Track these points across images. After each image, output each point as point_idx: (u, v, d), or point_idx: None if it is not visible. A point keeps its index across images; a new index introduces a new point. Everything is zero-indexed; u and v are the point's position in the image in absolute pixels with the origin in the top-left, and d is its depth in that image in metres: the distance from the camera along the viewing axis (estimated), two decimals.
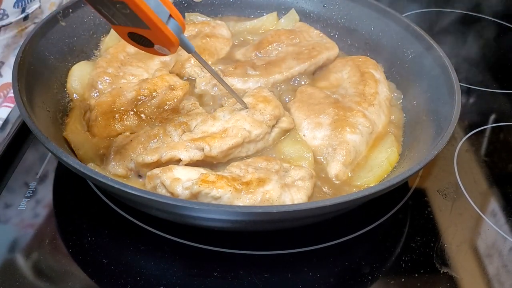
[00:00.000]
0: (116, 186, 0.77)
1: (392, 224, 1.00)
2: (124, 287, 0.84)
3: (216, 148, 0.94)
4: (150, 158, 0.92)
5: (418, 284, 0.89)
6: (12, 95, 1.32)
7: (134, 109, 1.04)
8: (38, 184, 1.01)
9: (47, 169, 1.04)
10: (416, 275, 0.90)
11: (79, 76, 1.14)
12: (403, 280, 0.90)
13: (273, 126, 1.03)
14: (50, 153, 1.07)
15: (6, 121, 1.13)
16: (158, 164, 0.93)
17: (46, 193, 1.00)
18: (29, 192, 0.99)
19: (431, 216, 1.02)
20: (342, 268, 0.91)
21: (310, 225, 0.94)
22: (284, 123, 1.05)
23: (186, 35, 1.28)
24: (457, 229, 1.00)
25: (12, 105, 1.23)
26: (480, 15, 1.76)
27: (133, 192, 0.76)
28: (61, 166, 1.05)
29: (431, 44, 1.17)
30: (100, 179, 0.78)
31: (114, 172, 0.95)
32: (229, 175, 0.88)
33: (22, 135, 1.11)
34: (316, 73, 1.26)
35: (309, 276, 0.89)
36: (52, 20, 1.12)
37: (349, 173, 1.01)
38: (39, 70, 1.04)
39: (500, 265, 0.95)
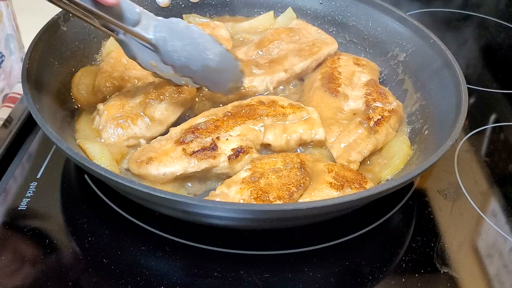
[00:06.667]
0: (153, 193, 0.78)
1: (392, 224, 1.00)
2: (125, 287, 0.85)
3: None
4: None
5: (419, 284, 0.89)
6: (13, 95, 1.33)
7: (143, 113, 1.04)
8: (39, 184, 1.01)
9: (48, 170, 1.04)
10: (417, 275, 0.90)
11: (83, 81, 1.14)
12: (403, 280, 0.90)
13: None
14: (50, 154, 1.07)
15: (6, 122, 1.13)
16: None
17: (46, 193, 1.00)
18: (29, 192, 0.99)
19: (432, 216, 1.02)
20: (342, 268, 0.91)
21: (310, 225, 0.94)
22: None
23: None
24: (458, 229, 1.00)
25: (13, 105, 1.23)
26: (480, 15, 1.76)
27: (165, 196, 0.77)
28: (62, 166, 1.05)
29: (430, 37, 1.19)
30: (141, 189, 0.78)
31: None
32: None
33: (23, 136, 1.11)
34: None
35: (309, 276, 0.89)
36: (54, 25, 1.11)
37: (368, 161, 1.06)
38: (45, 76, 1.04)
39: (500, 265, 0.95)
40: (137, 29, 0.92)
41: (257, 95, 1.15)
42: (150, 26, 0.93)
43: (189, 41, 0.98)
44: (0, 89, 1.43)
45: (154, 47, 0.95)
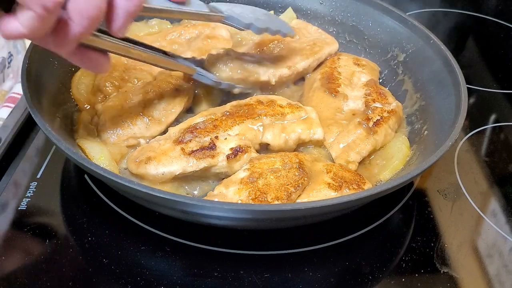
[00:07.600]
0: (151, 192, 0.78)
1: (392, 224, 1.00)
2: (125, 287, 0.85)
3: None
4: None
5: (419, 284, 0.89)
6: (13, 95, 1.33)
7: (142, 113, 1.04)
8: (39, 184, 1.01)
9: (48, 170, 1.04)
10: (417, 275, 0.90)
11: (83, 81, 1.14)
12: (403, 280, 0.90)
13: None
14: (50, 154, 1.07)
15: (6, 122, 1.13)
16: None
17: (46, 193, 1.00)
18: (29, 192, 0.99)
19: (432, 216, 1.02)
20: (342, 268, 0.91)
21: (310, 225, 0.94)
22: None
23: (187, 37, 1.29)
24: (458, 229, 1.00)
25: (13, 105, 1.23)
26: (480, 15, 1.76)
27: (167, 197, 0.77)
28: (62, 166, 1.05)
29: (430, 37, 1.19)
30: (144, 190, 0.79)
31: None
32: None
33: (23, 136, 1.11)
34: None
35: (309, 276, 0.89)
36: None
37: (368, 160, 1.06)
38: (45, 76, 1.04)
39: (500, 265, 0.95)
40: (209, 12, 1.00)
41: (255, 94, 1.15)
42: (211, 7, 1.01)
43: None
44: (10, 88, 1.43)
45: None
